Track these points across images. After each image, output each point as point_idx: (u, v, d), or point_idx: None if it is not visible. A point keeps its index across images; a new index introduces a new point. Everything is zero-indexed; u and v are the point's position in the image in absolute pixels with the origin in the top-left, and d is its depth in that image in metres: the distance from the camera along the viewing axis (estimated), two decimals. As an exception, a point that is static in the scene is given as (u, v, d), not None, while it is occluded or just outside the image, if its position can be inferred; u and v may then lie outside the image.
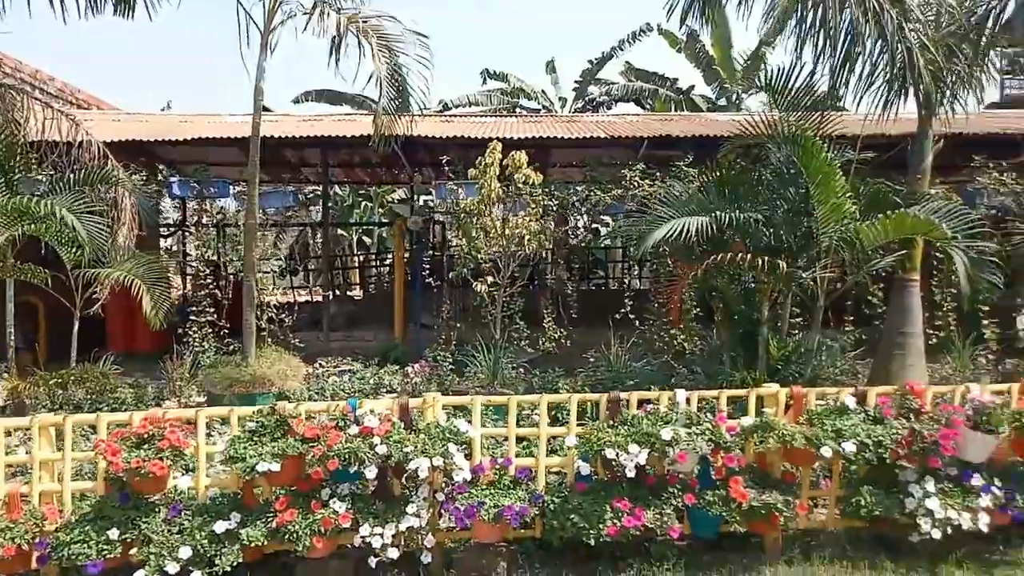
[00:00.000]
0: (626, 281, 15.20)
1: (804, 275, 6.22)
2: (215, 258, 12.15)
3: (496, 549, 4.55)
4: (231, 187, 10.61)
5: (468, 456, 4.44)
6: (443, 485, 4.30)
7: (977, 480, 4.47)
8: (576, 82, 22.35)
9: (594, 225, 14.80)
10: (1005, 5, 6.72)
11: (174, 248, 15.13)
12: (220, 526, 3.98)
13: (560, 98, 22.71)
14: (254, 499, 4.26)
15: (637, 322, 8.92)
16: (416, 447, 4.09)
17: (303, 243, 20.75)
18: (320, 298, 13.07)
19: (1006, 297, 9.91)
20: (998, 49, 7.82)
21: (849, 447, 4.27)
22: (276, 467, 4.01)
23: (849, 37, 6.40)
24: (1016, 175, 9.39)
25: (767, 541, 4.57)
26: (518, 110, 21.33)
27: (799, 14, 6.22)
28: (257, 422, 4.30)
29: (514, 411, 4.54)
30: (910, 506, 4.37)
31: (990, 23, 6.78)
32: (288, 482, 4.20)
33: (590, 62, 22.02)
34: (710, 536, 4.50)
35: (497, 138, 7.58)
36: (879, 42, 6.49)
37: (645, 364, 8.26)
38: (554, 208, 9.07)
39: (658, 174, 9.30)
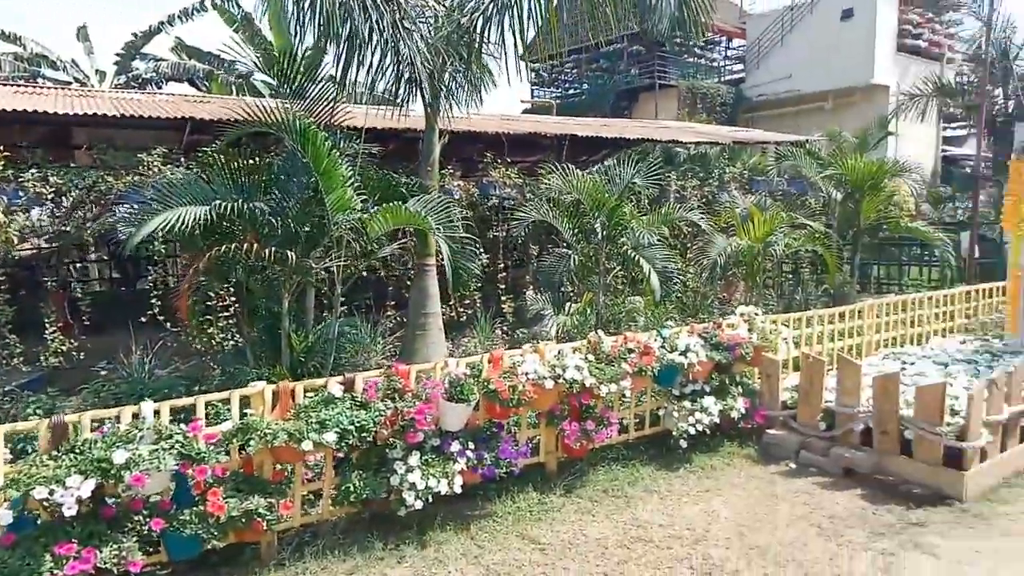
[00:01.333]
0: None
1: (316, 265, 6.17)
2: None
3: None
4: None
5: None
6: None
7: (455, 447, 4.86)
8: (118, 55, 19.61)
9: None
10: (491, 15, 7.51)
11: None
12: None
13: (98, 71, 19.69)
14: None
15: (169, 324, 8.02)
16: None
17: None
18: None
19: (519, 275, 11.57)
20: (527, 62, 8.79)
21: (330, 437, 4.25)
22: None
23: (350, 30, 6.52)
24: (520, 170, 10.91)
25: (263, 546, 4.34)
26: (40, 80, 17.84)
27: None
28: None
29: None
30: (395, 483, 4.54)
31: (478, 32, 7.55)
32: None
33: (134, 35, 19.53)
34: (192, 556, 4.08)
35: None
36: (381, 39, 6.76)
37: (173, 370, 7.47)
38: (48, 196, 7.56)
39: (183, 160, 8.48)
